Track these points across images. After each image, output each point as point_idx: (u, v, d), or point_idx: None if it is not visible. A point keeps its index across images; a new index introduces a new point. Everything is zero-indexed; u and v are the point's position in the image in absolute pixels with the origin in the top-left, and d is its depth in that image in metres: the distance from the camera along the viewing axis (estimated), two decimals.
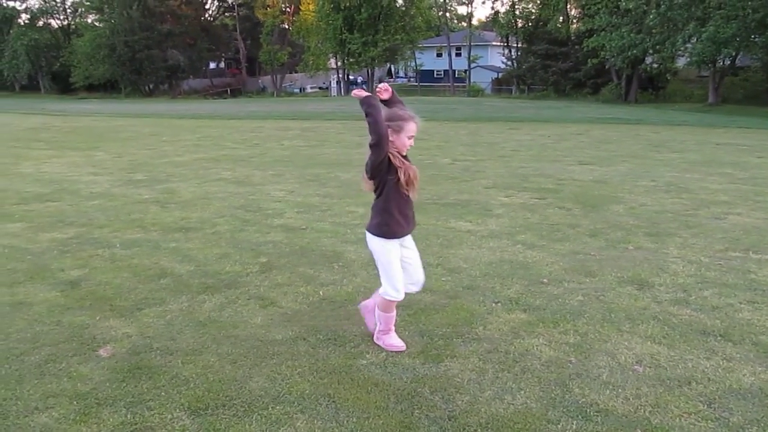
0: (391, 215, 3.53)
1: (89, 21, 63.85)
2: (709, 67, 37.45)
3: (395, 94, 3.57)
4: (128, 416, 3.02)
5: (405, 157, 3.53)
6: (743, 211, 7.67)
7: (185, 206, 7.96)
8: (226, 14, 72.62)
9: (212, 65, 73.60)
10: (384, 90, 3.52)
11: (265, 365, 3.51)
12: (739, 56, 36.73)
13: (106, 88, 60.47)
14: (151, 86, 62.71)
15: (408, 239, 3.71)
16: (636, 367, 3.49)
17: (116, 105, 41.54)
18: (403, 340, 3.81)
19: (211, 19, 71.33)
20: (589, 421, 2.94)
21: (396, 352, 3.71)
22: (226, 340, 3.85)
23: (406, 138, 3.47)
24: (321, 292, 4.76)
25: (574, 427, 2.89)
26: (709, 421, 2.93)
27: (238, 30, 67.33)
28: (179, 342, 3.83)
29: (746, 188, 9.35)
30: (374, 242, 3.62)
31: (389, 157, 3.43)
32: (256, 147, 15.23)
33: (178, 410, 3.07)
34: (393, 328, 3.82)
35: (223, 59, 75.16)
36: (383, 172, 3.46)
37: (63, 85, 60.97)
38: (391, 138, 3.42)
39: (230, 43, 70.14)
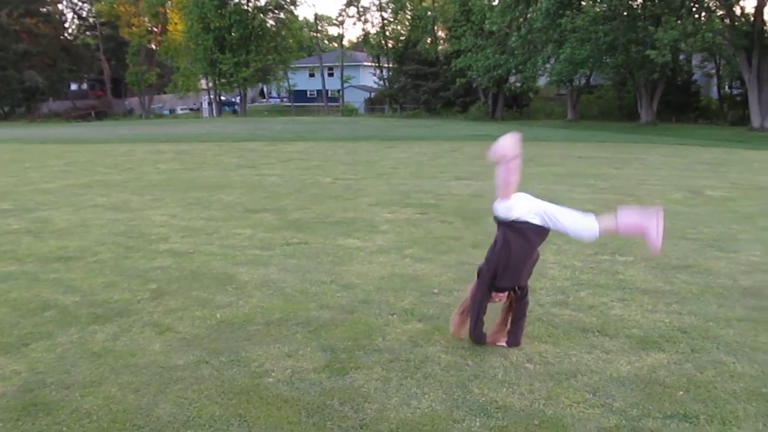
0: None
1: None
2: (567, 86, 40.23)
3: None
4: None
5: None
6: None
7: (61, 235, 7.59)
8: (87, 33, 69.26)
9: (74, 86, 69.80)
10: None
11: (170, 391, 3.47)
12: (592, 76, 39.69)
13: None
14: (6, 109, 58.73)
15: None
16: (527, 365, 3.76)
17: None
18: (305, 356, 3.89)
19: (72, 38, 67.85)
20: (490, 417, 3.15)
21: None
22: (125, 370, 3.76)
23: None
24: (218, 315, 4.72)
25: (478, 424, 3.09)
26: (596, 408, 3.23)
27: (101, 50, 64.39)
28: (75, 375, 3.69)
29: (608, 197, 10.15)
30: None
31: None
32: (130, 171, 14.68)
33: None
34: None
35: (86, 80, 71.56)
36: None
37: None
38: None
39: (93, 64, 66.74)
